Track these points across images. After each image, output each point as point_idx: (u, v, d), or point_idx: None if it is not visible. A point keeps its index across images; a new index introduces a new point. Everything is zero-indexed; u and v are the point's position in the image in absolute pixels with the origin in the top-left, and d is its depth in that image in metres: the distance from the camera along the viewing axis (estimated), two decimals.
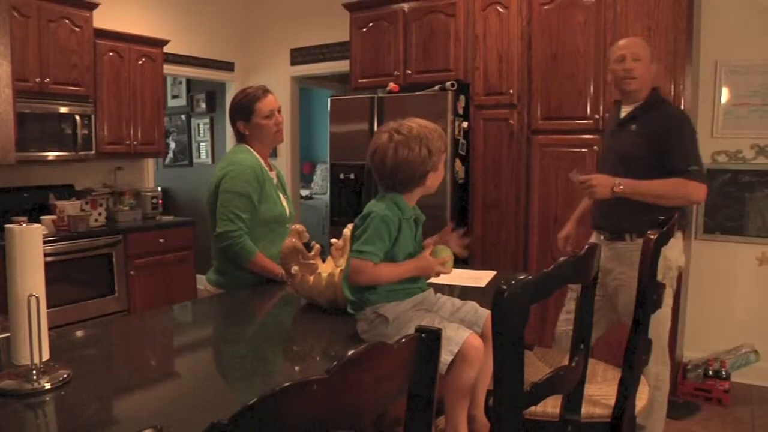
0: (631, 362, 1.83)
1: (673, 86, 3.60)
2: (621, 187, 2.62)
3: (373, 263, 1.69)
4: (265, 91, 2.66)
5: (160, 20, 5.59)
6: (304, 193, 8.09)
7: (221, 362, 1.81)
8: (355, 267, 1.70)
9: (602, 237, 2.88)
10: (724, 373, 3.83)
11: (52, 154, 4.42)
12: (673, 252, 2.75)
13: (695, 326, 4.21)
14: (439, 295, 1.86)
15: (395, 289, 1.73)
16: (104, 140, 4.76)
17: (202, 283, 2.78)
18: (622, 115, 2.87)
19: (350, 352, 0.70)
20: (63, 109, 4.42)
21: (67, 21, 4.39)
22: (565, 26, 3.89)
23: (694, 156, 2.69)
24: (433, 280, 2.48)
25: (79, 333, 2.03)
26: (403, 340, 0.82)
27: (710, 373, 3.85)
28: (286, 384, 0.63)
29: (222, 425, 0.60)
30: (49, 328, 1.43)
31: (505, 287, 1.11)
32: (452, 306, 1.79)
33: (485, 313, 1.73)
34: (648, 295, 1.80)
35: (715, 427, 3.46)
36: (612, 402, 1.88)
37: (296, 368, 1.70)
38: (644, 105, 2.80)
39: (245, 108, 2.62)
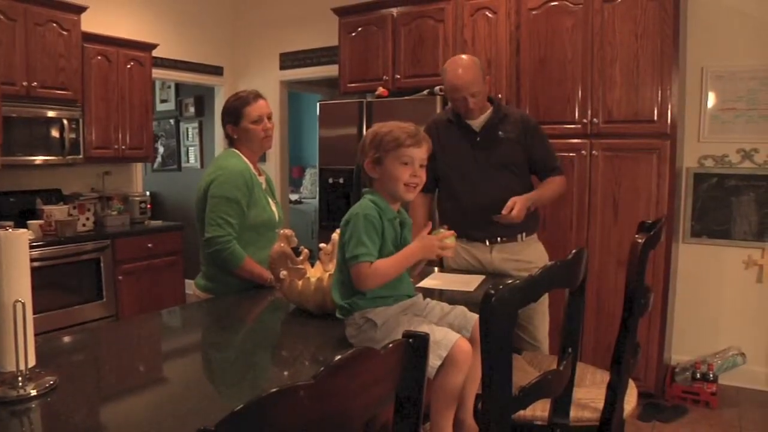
0: (619, 366, 1.84)
1: (660, 92, 3.63)
2: (532, 204, 2.83)
3: (370, 263, 1.68)
4: (257, 96, 2.65)
5: (149, 24, 5.57)
6: (293, 197, 8.07)
7: (210, 368, 1.81)
8: (356, 274, 1.70)
9: (488, 243, 2.96)
10: (711, 375, 3.85)
11: (39, 159, 4.39)
12: (535, 253, 3.00)
13: (683, 329, 4.24)
14: (428, 300, 1.86)
15: (384, 295, 1.73)
16: (92, 144, 4.74)
17: (191, 288, 2.77)
18: (476, 126, 2.94)
19: (337, 358, 0.70)
20: (50, 113, 4.40)
21: (54, 24, 4.37)
22: (554, 32, 3.91)
23: (554, 152, 3.05)
24: (421, 284, 2.49)
25: (67, 339, 2.01)
26: (391, 345, 0.83)
27: (698, 375, 3.87)
28: (273, 390, 0.63)
29: (209, 431, 0.60)
30: (36, 334, 1.42)
31: (493, 292, 1.11)
32: (441, 311, 1.79)
33: (474, 318, 1.73)
34: (636, 299, 1.81)
35: (703, 430, 3.48)
36: (600, 405, 1.88)
37: (285, 373, 1.70)
38: (498, 112, 2.94)
39: (234, 111, 2.62)
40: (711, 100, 4.12)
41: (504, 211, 2.72)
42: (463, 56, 2.98)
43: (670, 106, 3.62)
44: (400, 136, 1.76)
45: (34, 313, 1.39)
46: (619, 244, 3.74)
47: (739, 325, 4.11)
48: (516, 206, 2.72)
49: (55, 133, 4.43)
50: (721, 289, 4.17)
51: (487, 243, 2.96)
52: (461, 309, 1.79)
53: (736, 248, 4.11)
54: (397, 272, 1.74)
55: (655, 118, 3.66)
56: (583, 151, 3.84)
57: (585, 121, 3.84)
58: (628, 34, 3.69)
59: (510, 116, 2.97)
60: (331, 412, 0.70)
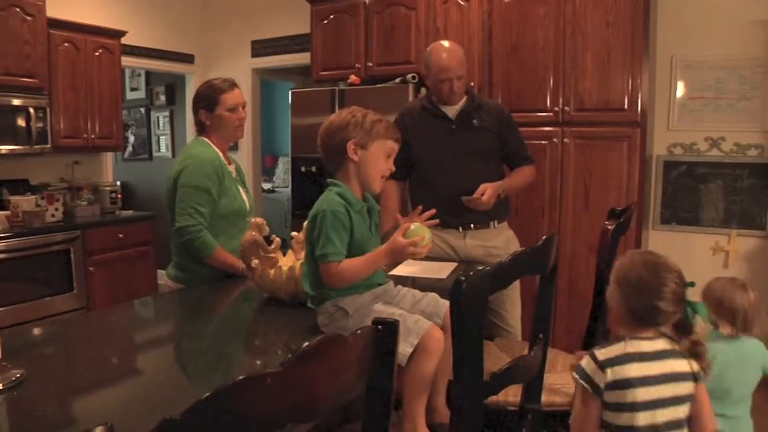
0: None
1: (630, 80, 3.66)
2: (502, 192, 2.87)
3: (338, 262, 1.68)
4: (233, 85, 2.63)
5: (117, 10, 5.46)
6: (267, 186, 8.02)
7: (182, 358, 1.79)
8: (324, 272, 1.70)
9: (461, 230, 2.99)
10: None
11: (5, 148, 4.29)
12: (506, 240, 3.03)
13: None
14: (399, 287, 1.86)
15: (355, 284, 1.73)
16: (60, 134, 4.64)
17: (163, 278, 2.74)
18: (451, 114, 2.97)
19: (305, 345, 0.69)
20: (16, 102, 4.30)
21: (17, 9, 4.25)
22: (526, 20, 3.92)
23: (525, 142, 3.09)
24: (394, 271, 2.49)
25: (35, 332, 1.98)
26: (359, 332, 0.82)
27: None
28: (240, 378, 0.62)
29: (175, 420, 0.59)
30: (3, 327, 1.39)
31: (463, 279, 1.12)
32: (413, 298, 1.80)
33: (445, 305, 1.74)
34: (606, 284, 1.83)
35: None
36: (572, 390, 1.91)
37: (258, 362, 1.69)
38: (473, 100, 2.98)
39: (210, 97, 2.58)
40: (680, 89, 4.17)
41: (476, 195, 2.75)
42: (446, 42, 2.99)
43: (640, 95, 3.66)
44: (389, 129, 1.80)
45: (0, 306, 1.36)
46: (590, 231, 3.78)
47: None
48: (487, 192, 2.75)
49: (21, 122, 4.33)
50: (690, 275, 4.17)
51: (461, 230, 2.98)
52: (432, 296, 1.80)
53: (704, 235, 4.18)
54: (367, 273, 1.74)
55: (626, 106, 3.70)
56: (554, 139, 3.86)
57: (557, 108, 3.86)
58: (599, 22, 3.72)
59: (484, 106, 3.00)
60: (300, 399, 0.70)
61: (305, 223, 2.18)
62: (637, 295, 1.58)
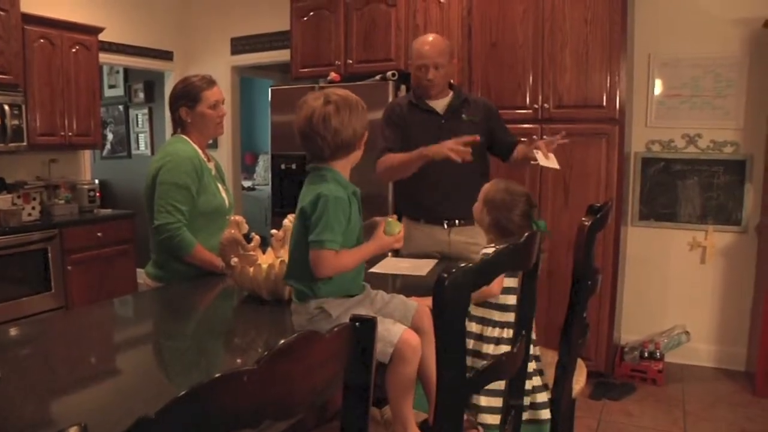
0: (568, 345, 1.88)
1: (608, 77, 3.69)
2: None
3: (335, 252, 1.61)
4: (212, 82, 2.61)
5: (94, 6, 5.39)
6: (247, 184, 7.98)
7: (162, 357, 1.78)
8: (317, 258, 1.61)
9: (446, 225, 2.99)
10: (658, 354, 3.98)
11: None
12: (483, 237, 2.97)
13: (632, 310, 4.35)
14: (371, 290, 1.81)
15: (351, 293, 1.70)
16: (36, 131, 4.57)
17: (142, 277, 2.72)
18: (439, 108, 2.99)
19: (281, 342, 0.69)
20: None
21: None
22: (505, 17, 3.94)
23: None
24: (374, 269, 2.49)
25: (12, 332, 1.95)
26: (336, 328, 0.82)
27: (646, 354, 3.99)
28: (216, 375, 0.62)
29: (150, 419, 0.58)
30: None
31: (445, 276, 1.11)
32: (382, 300, 1.76)
33: (413, 306, 1.71)
34: (583, 279, 1.85)
35: (650, 406, 3.59)
36: (551, 385, 1.92)
37: (238, 361, 1.68)
38: (459, 96, 3.01)
39: (191, 94, 2.56)
40: (658, 86, 4.22)
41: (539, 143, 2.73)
42: (432, 35, 3.03)
43: (618, 92, 3.69)
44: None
45: None
46: (569, 227, 3.80)
47: (685, 304, 4.24)
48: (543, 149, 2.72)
49: None
50: (668, 271, 4.29)
51: (445, 225, 2.98)
52: (401, 298, 1.76)
53: (682, 231, 4.23)
54: (355, 266, 1.69)
55: (604, 103, 3.73)
56: (534, 136, 3.88)
57: (536, 106, 3.89)
58: (578, 19, 3.74)
59: (471, 101, 3.04)
60: (276, 396, 0.70)
61: (285, 221, 2.18)
62: (496, 210, 2.13)
